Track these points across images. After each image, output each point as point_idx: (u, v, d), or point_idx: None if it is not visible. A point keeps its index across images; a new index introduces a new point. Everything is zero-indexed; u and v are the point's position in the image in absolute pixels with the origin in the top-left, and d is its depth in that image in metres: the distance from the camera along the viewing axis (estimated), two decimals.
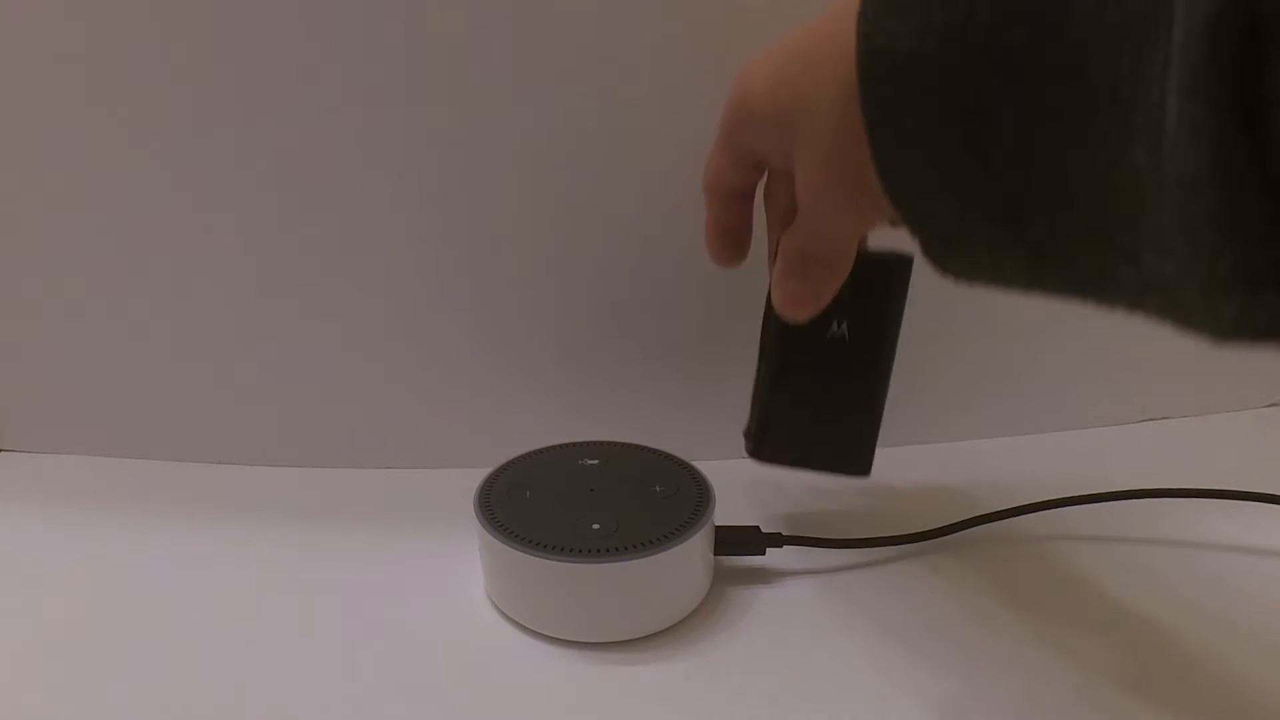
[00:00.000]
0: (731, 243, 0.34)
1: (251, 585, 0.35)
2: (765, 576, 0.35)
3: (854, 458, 0.37)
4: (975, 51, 0.20)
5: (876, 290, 0.33)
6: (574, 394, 0.45)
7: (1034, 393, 0.47)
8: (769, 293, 0.36)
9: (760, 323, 0.36)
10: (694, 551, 0.32)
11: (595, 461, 0.37)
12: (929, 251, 0.24)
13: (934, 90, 0.21)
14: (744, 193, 0.33)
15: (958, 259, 0.23)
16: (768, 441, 0.37)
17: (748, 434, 0.38)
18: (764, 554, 0.35)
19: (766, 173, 0.32)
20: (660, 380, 0.45)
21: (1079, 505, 0.38)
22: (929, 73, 0.21)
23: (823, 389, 0.35)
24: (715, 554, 0.34)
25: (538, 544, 0.31)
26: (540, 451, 0.38)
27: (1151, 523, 0.38)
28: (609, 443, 0.38)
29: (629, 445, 0.38)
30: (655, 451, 0.38)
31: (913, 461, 0.44)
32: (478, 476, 0.35)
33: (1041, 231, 0.21)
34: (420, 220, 0.42)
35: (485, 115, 0.40)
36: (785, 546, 0.35)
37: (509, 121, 0.40)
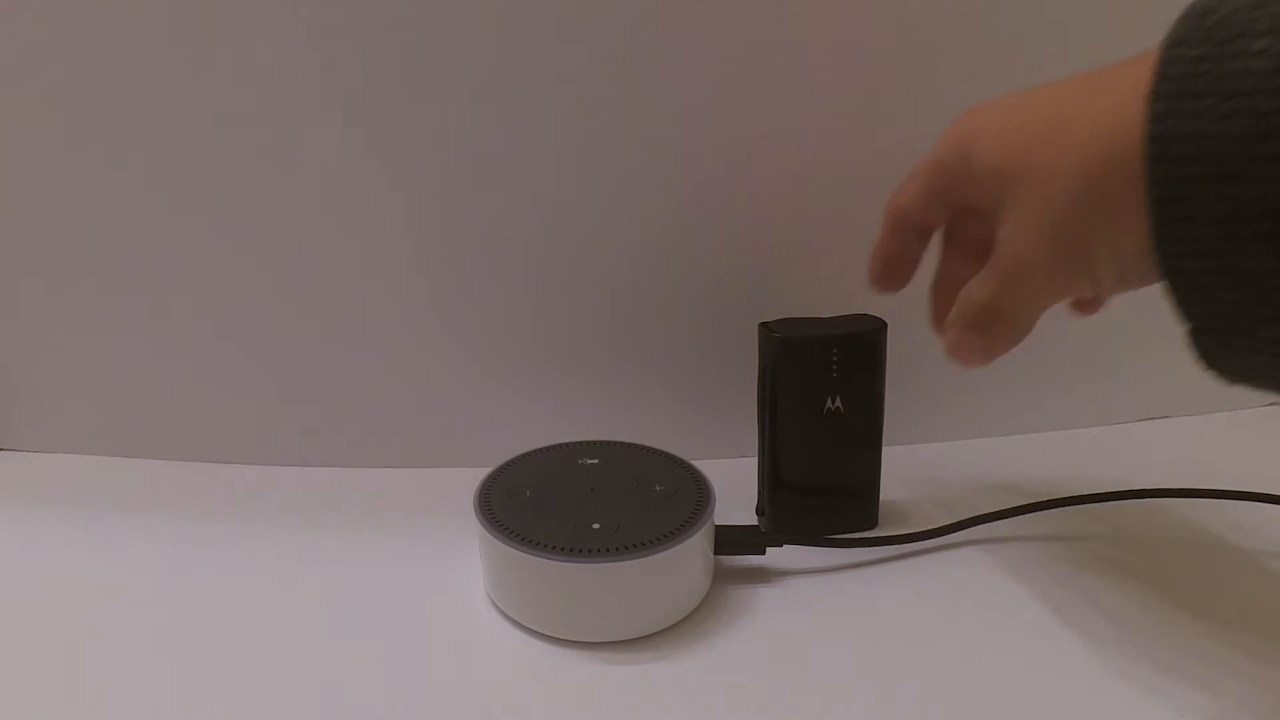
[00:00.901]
0: (900, 273, 0.33)
1: (251, 584, 0.35)
2: (765, 576, 0.35)
3: (862, 512, 0.39)
4: None
5: (865, 361, 0.33)
6: (574, 394, 0.45)
7: (1034, 392, 0.47)
8: (760, 377, 0.36)
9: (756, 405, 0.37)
10: (694, 551, 0.32)
11: (595, 461, 0.37)
12: (1199, 342, 0.22)
13: (1235, 178, 0.19)
14: (927, 230, 0.32)
15: (1233, 356, 0.21)
16: (780, 519, 0.38)
17: (760, 512, 0.39)
18: (764, 554, 0.35)
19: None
20: (660, 380, 0.45)
21: (1079, 505, 0.38)
22: (1232, 159, 0.19)
23: (825, 460, 0.37)
24: (715, 554, 0.34)
25: (538, 544, 0.31)
26: (540, 451, 0.38)
27: (1152, 523, 0.38)
28: (609, 443, 0.38)
29: (629, 445, 0.38)
30: (655, 451, 0.38)
31: (913, 461, 0.44)
32: (478, 476, 0.35)
33: None
34: (422, 221, 0.42)
35: (487, 118, 0.40)
36: (785, 546, 0.35)
37: (513, 124, 0.40)
